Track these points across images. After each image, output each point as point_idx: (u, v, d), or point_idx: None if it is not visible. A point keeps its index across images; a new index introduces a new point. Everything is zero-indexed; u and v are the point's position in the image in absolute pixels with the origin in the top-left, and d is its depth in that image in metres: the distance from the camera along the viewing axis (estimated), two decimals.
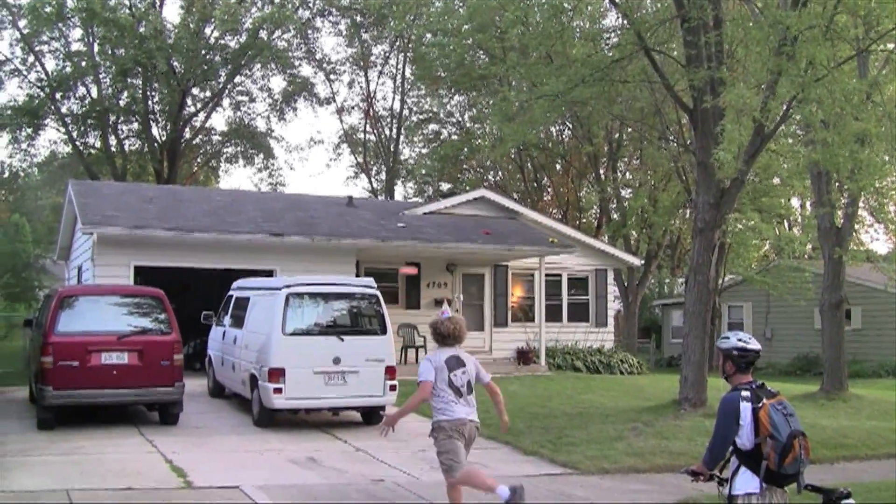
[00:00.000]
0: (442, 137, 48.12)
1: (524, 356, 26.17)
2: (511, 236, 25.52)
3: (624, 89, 24.97)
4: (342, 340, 15.15)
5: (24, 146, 41.15)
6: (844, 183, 20.72)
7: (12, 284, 41.20)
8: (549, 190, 47.15)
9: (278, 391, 14.73)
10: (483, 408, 17.79)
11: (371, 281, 16.26)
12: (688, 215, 37.66)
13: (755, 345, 6.42)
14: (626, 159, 42.21)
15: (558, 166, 44.98)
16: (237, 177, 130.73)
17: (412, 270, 26.24)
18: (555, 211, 45.07)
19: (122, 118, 41.33)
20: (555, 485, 12.00)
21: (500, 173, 48.77)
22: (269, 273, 21.60)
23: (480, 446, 14.16)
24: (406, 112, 47.96)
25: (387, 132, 48.31)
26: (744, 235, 32.64)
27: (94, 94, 39.52)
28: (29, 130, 40.06)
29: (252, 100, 44.77)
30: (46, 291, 26.76)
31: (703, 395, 17.52)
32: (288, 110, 45.10)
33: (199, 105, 42.88)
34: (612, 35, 26.07)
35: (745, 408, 6.13)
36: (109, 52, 38.74)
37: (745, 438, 6.13)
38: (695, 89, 17.54)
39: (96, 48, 39.02)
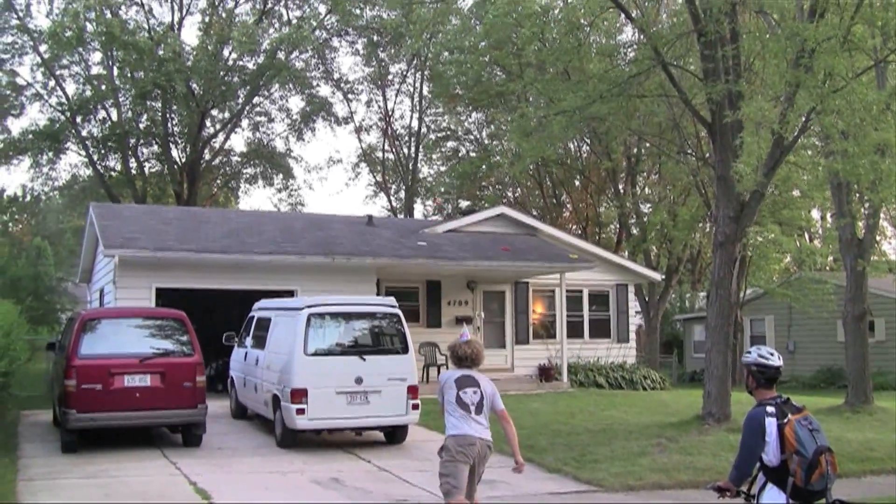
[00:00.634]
0: (460, 155, 48.18)
1: (546, 373, 26.11)
2: (531, 253, 25.50)
3: (641, 104, 24.98)
4: (364, 360, 15.13)
5: (45, 170, 41.57)
6: (865, 194, 20.63)
7: (35, 308, 41.31)
8: (569, 206, 47.09)
9: (301, 411, 14.72)
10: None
11: (392, 300, 16.24)
12: (708, 229, 37.52)
13: (776, 361, 6.38)
14: (645, 174, 42.13)
15: (577, 182, 44.92)
16: (257, 197, 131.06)
17: None
18: (574, 227, 45.00)
19: (141, 141, 41.60)
20: (580, 502, 11.94)
21: (518, 190, 48.76)
22: (290, 293, 21.64)
23: (503, 464, 14.11)
24: (424, 130, 48.08)
25: (405, 150, 48.40)
26: (764, 248, 32.54)
27: (114, 117, 39.79)
28: (50, 154, 40.41)
29: (271, 120, 45.04)
30: (69, 314, 26.89)
31: (726, 409, 17.43)
32: (306, 130, 45.33)
33: (217, 126, 43.09)
34: (629, 50, 26.09)
35: (771, 423, 6.09)
36: (129, 75, 39.03)
37: (771, 455, 6.09)
38: (713, 103, 17.53)
39: (116, 71, 39.31)
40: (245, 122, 44.31)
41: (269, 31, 40.58)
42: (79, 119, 39.87)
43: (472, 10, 37.00)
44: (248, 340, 18.28)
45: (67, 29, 35.27)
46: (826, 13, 15.92)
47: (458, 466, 8.49)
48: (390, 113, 47.73)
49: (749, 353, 6.49)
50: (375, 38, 43.63)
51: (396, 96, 48.03)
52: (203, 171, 43.00)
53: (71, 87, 40.18)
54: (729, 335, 18.24)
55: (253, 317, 18.61)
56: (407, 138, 48.34)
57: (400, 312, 15.88)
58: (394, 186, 50.17)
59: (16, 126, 76.91)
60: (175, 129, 41.76)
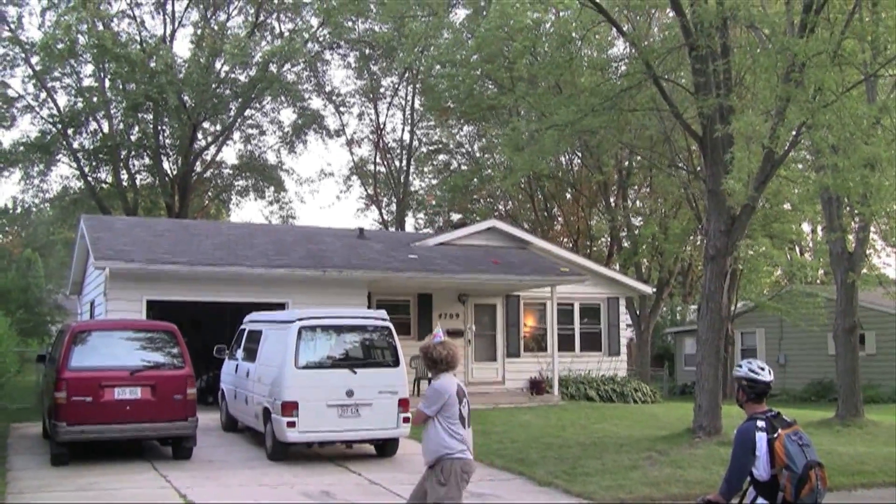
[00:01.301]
0: (452, 168, 48.20)
1: (537, 386, 26.11)
2: (522, 266, 25.51)
3: (633, 118, 25.03)
4: (355, 373, 15.11)
5: (36, 182, 41.39)
6: (855, 207, 20.68)
7: (25, 319, 41.27)
8: (560, 219, 47.13)
9: (291, 424, 14.69)
10: (497, 438, 17.77)
11: (383, 313, 16.23)
12: (699, 242, 37.62)
13: (766, 376, 6.39)
14: (636, 187, 42.22)
15: (568, 195, 44.97)
16: (248, 210, 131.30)
17: None
18: (565, 240, 45.03)
19: (133, 153, 41.51)
20: None
21: (510, 203, 48.79)
22: (282, 306, 21.61)
23: (495, 477, 14.13)
24: (416, 143, 48.11)
25: (396, 163, 48.41)
26: (755, 262, 32.61)
27: (106, 129, 39.72)
28: (41, 166, 40.29)
29: (262, 133, 44.99)
30: (59, 326, 26.80)
31: (717, 423, 17.44)
32: (298, 143, 45.27)
33: (209, 139, 43.07)
34: (621, 64, 26.18)
35: (761, 438, 6.11)
36: (121, 87, 38.98)
37: (761, 469, 6.10)
38: (704, 117, 17.58)
39: (108, 84, 39.26)
40: (237, 135, 44.31)
41: (261, 44, 40.57)
42: (70, 131, 39.77)
43: (464, 24, 37.05)
44: (239, 353, 18.26)
45: (59, 41, 35.21)
46: (816, 28, 15.98)
47: (462, 493, 8.16)
48: (382, 126, 47.81)
49: (740, 366, 6.50)
50: (367, 51, 43.66)
51: (388, 109, 48.11)
52: (194, 183, 42.95)
53: (62, 99, 40.28)
54: (720, 348, 18.26)
55: (244, 329, 18.59)
56: (398, 151, 48.37)
57: (391, 325, 15.88)
58: (385, 199, 50.17)
59: (7, 138, 76.88)
60: (167, 141, 41.71)
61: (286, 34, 40.74)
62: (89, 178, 40.89)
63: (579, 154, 39.86)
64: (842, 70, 16.58)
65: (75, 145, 40.27)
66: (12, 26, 38.14)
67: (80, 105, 39.35)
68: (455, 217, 45.62)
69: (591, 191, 41.60)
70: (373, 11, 40.86)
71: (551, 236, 42.17)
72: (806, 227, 39.20)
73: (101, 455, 15.01)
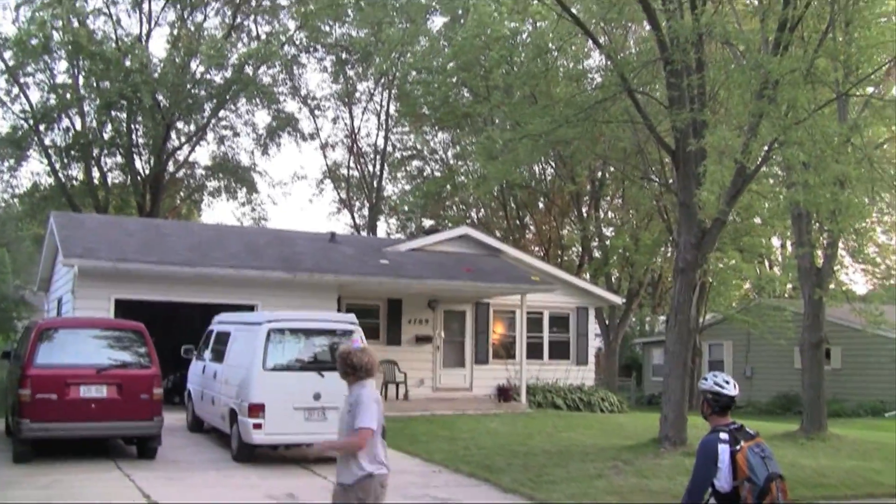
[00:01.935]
0: (425, 174, 48.21)
1: (505, 393, 26.16)
2: (493, 274, 25.55)
3: (607, 129, 25.14)
4: (323, 376, 15.05)
5: (6, 177, 41.07)
6: (825, 224, 20.86)
7: None
8: (532, 228, 47.23)
9: (258, 426, 14.66)
10: (463, 444, 17.80)
11: (352, 317, 16.23)
12: (669, 254, 37.82)
13: (731, 390, 6.43)
14: (609, 198, 42.42)
15: (541, 204, 45.07)
16: (220, 211, 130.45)
17: None
18: (537, 249, 45.11)
19: (105, 151, 41.20)
20: None
21: (482, 211, 48.84)
22: (251, 308, 21.53)
23: (461, 483, 14.16)
24: (390, 148, 48.05)
25: (370, 168, 48.35)
26: (725, 274, 32.78)
27: (79, 126, 39.43)
28: (11, 161, 39.92)
29: (236, 134, 44.79)
30: (26, 323, 26.58)
31: (683, 434, 17.53)
32: (272, 145, 45.07)
33: (183, 139, 42.82)
34: (596, 75, 26.32)
35: (724, 450, 6.15)
36: (95, 84, 38.71)
37: (723, 481, 6.14)
38: (677, 130, 17.70)
39: (81, 81, 38.98)
40: (210, 136, 44.09)
41: (237, 46, 40.49)
42: (42, 127, 39.43)
43: (441, 32, 37.20)
44: (207, 354, 18.20)
45: (34, 37, 34.99)
46: (790, 46, 16.15)
47: None
48: (356, 130, 47.73)
49: (706, 379, 6.54)
50: (344, 55, 43.63)
51: (363, 114, 48.01)
52: (167, 183, 42.71)
53: (35, 95, 39.80)
54: (687, 361, 18.36)
55: (212, 330, 18.53)
56: (372, 156, 48.31)
57: (360, 329, 15.87)
58: (358, 203, 50.11)
59: None
60: (140, 140, 41.43)
61: (263, 37, 40.67)
62: (60, 175, 40.55)
63: (552, 164, 39.99)
64: (814, 88, 16.77)
65: (47, 141, 39.94)
66: None
67: (52, 101, 39.04)
68: (427, 223, 45.64)
69: (564, 201, 41.73)
70: (350, 16, 40.93)
71: (523, 245, 42.24)
72: (775, 242, 39.55)
73: (66, 453, 14.90)
